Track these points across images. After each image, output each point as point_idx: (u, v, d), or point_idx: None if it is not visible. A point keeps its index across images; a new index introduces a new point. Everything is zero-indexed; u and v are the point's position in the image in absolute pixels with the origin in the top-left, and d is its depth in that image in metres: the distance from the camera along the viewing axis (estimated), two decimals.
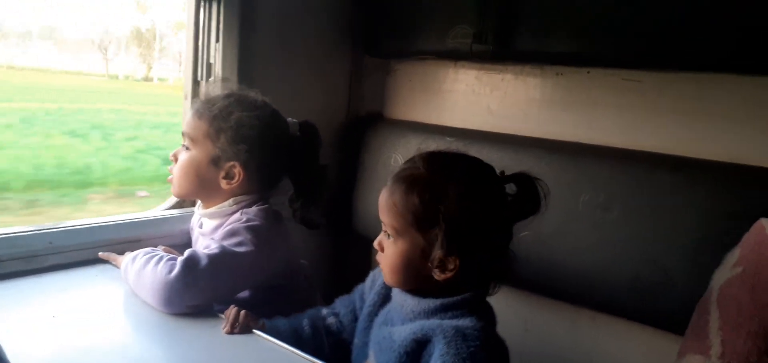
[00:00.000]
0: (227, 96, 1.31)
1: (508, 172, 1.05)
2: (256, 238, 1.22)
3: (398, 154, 1.73)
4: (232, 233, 1.22)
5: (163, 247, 1.32)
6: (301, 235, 1.41)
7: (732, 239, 1.17)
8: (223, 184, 1.29)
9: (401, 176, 1.02)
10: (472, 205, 0.98)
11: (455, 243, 0.96)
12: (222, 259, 1.17)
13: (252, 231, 1.22)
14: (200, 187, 1.31)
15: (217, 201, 1.31)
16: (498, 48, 1.51)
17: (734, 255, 1.15)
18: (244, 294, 1.27)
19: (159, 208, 1.55)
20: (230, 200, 1.30)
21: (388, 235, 1.02)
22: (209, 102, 1.30)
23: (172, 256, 1.19)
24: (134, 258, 1.21)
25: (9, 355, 0.68)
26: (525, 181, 1.03)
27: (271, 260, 1.27)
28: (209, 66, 1.55)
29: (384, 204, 1.02)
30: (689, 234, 1.26)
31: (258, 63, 1.59)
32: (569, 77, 1.54)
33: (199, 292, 1.14)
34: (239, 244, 1.20)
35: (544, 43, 1.46)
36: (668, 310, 1.28)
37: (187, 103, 1.56)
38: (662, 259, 1.28)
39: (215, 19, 1.53)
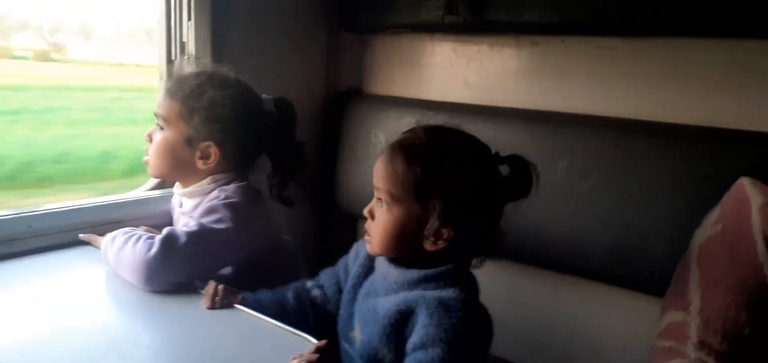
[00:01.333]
0: (198, 74, 1.29)
1: (489, 145, 1.06)
2: (234, 214, 1.22)
3: (378, 129, 1.74)
4: (210, 210, 1.22)
5: (144, 228, 1.31)
6: (284, 211, 1.41)
7: (708, 202, 1.20)
8: (200, 164, 1.29)
9: (403, 144, 1.02)
10: (470, 179, 1.00)
11: (451, 215, 0.98)
12: (200, 236, 1.17)
13: (230, 208, 1.22)
14: (176, 167, 1.31)
15: (195, 180, 1.31)
16: (471, 18, 1.51)
17: (714, 214, 1.17)
18: (228, 270, 1.28)
19: (139, 189, 1.54)
20: (208, 179, 1.30)
21: (382, 203, 1.03)
22: (181, 81, 1.29)
23: (150, 234, 1.19)
24: (114, 238, 1.21)
25: None
26: (518, 164, 1.05)
27: (251, 236, 1.26)
28: (182, 45, 1.54)
29: (382, 171, 1.02)
30: (666, 198, 1.29)
31: (232, 41, 1.58)
32: (544, 46, 1.55)
33: (179, 269, 1.15)
34: (218, 220, 1.20)
35: (518, 13, 1.47)
36: (647, 273, 1.31)
37: (162, 83, 1.55)
38: (640, 223, 1.31)
39: None
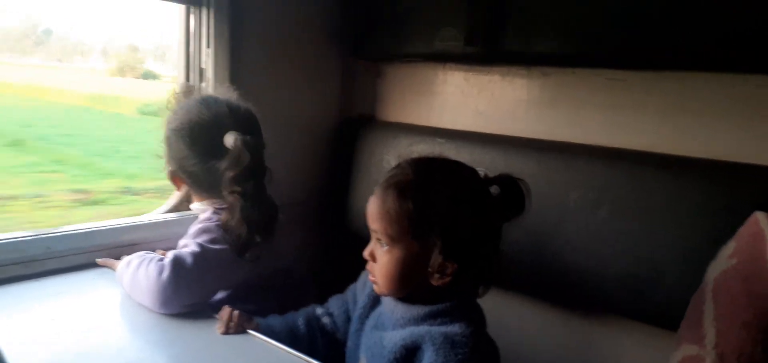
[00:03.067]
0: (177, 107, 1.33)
1: (497, 173, 1.07)
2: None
3: (390, 155, 1.75)
4: (203, 231, 1.23)
5: (160, 251, 1.33)
6: (296, 235, 1.42)
7: (721, 235, 1.19)
8: (182, 191, 1.36)
9: (391, 182, 1.02)
10: (463, 208, 0.99)
11: (453, 247, 0.98)
12: (204, 256, 1.18)
13: (219, 230, 1.23)
14: (184, 196, 1.39)
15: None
16: (484, 49, 1.53)
17: (729, 247, 1.16)
18: (232, 293, 1.29)
19: (156, 211, 1.56)
20: (197, 202, 1.34)
21: (381, 244, 1.02)
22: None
23: (159, 256, 1.21)
24: (128, 263, 1.23)
25: (9, 358, 0.69)
26: (508, 183, 1.05)
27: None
28: (201, 71, 1.57)
29: (376, 212, 1.02)
30: (678, 230, 1.28)
31: (249, 67, 1.61)
32: (555, 77, 1.56)
33: (192, 290, 1.17)
34: (213, 241, 1.21)
35: (530, 44, 1.48)
36: (660, 306, 1.30)
37: None
38: (653, 255, 1.30)
39: (205, 24, 1.55)
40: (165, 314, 1.16)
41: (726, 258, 1.16)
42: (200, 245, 1.20)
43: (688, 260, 1.26)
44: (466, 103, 1.73)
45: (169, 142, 1.30)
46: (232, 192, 1.21)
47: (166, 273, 1.14)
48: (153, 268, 1.16)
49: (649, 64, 1.41)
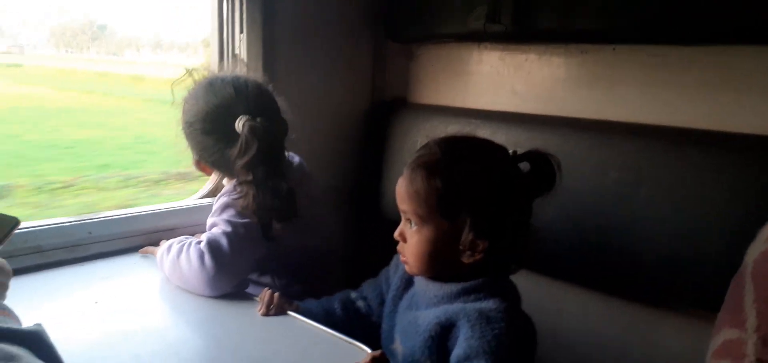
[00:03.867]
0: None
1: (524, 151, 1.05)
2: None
3: (423, 137, 1.73)
4: (224, 207, 1.24)
5: (197, 235, 1.35)
6: (330, 218, 1.43)
7: (763, 213, 1.16)
8: (206, 172, 1.35)
9: (420, 163, 1.01)
10: (493, 185, 0.98)
11: (483, 224, 0.97)
12: (235, 233, 1.19)
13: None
14: (219, 180, 1.40)
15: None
16: (520, 28, 1.50)
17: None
18: (269, 275, 1.30)
19: (193, 196, 1.59)
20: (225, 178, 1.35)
21: (411, 224, 1.02)
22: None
23: (197, 240, 1.22)
24: (168, 248, 1.25)
25: (55, 339, 0.71)
26: (537, 158, 1.04)
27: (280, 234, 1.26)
28: (235, 57, 1.58)
29: (404, 192, 1.02)
30: (721, 209, 1.24)
31: (282, 52, 1.62)
32: (594, 55, 1.52)
33: (236, 269, 1.19)
34: (238, 215, 1.21)
35: (567, 21, 1.44)
36: (701, 288, 1.26)
37: None
38: (694, 235, 1.26)
39: (238, 10, 1.55)
40: (206, 296, 1.17)
41: (765, 239, 1.12)
42: (228, 223, 1.20)
43: (730, 240, 1.21)
44: (501, 83, 1.70)
45: (186, 133, 1.29)
46: (243, 180, 1.20)
47: (207, 259, 1.16)
48: (194, 256, 1.17)
49: (689, 39, 1.36)
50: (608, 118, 1.48)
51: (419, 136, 1.74)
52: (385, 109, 1.88)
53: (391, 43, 1.89)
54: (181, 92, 1.30)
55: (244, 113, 1.21)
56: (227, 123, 1.22)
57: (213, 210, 1.27)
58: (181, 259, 1.20)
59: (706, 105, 1.36)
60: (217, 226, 1.22)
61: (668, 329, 1.38)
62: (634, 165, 1.35)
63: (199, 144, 1.27)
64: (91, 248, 1.34)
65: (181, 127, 1.29)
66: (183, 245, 1.22)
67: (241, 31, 1.57)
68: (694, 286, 1.28)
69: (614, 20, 1.39)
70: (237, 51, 1.58)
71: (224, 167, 1.28)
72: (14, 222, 0.89)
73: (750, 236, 1.16)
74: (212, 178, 1.59)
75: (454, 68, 1.81)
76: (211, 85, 1.27)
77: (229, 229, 1.19)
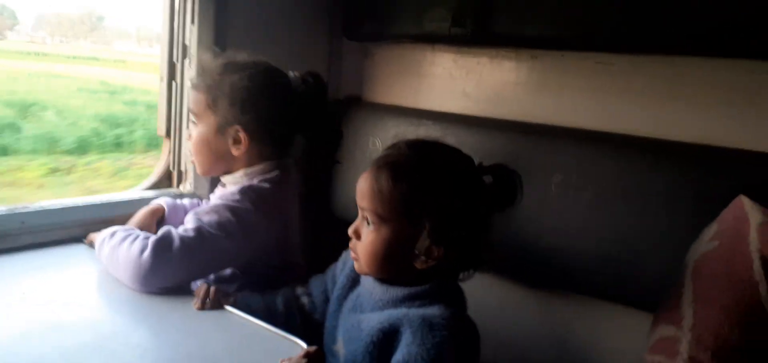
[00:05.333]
0: (219, 63, 1.29)
1: (483, 156, 1.05)
2: (238, 223, 1.19)
3: (377, 137, 1.73)
4: (213, 210, 1.20)
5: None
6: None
7: (703, 220, 1.19)
8: (234, 150, 1.27)
9: (387, 162, 1.00)
10: (458, 193, 0.98)
11: (442, 232, 0.96)
12: (195, 241, 1.15)
13: (236, 215, 1.20)
14: (216, 160, 1.31)
15: (237, 170, 1.31)
16: (473, 31, 1.51)
17: (711, 229, 1.16)
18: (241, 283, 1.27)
19: (137, 188, 1.54)
20: (241, 172, 1.29)
21: (368, 223, 1.01)
22: (203, 73, 1.30)
23: (147, 234, 1.17)
24: (112, 234, 1.20)
25: None
26: (501, 173, 1.04)
27: (250, 248, 1.24)
28: (185, 48, 1.54)
29: (367, 189, 1.00)
30: (661, 214, 1.28)
31: (234, 44, 1.57)
32: (543, 60, 1.55)
33: (171, 273, 1.14)
34: (219, 225, 1.18)
35: (519, 26, 1.47)
36: (640, 289, 1.30)
37: (163, 85, 1.56)
38: (635, 239, 1.30)
39: (190, 1, 1.52)
40: (142, 292, 1.14)
41: (707, 240, 1.16)
42: (197, 229, 1.16)
43: (669, 244, 1.26)
44: (454, 85, 1.71)
45: (234, 94, 1.26)
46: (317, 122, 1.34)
47: (146, 253, 1.11)
48: (136, 246, 1.13)
49: (638, 48, 1.40)
50: (556, 122, 1.50)
51: (373, 135, 1.74)
52: (340, 107, 1.87)
53: (346, 41, 1.89)
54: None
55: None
56: (279, 97, 1.29)
57: (210, 202, 1.25)
58: (122, 246, 1.15)
59: (650, 113, 1.40)
60: (190, 222, 1.19)
61: (610, 326, 1.42)
62: (578, 169, 1.38)
63: (250, 102, 1.25)
64: (23, 239, 1.28)
65: (223, 89, 1.26)
66: (130, 235, 1.17)
67: (193, 22, 1.53)
68: (634, 288, 1.31)
69: (565, 27, 1.43)
70: (187, 42, 1.55)
71: (265, 130, 1.28)
72: None
73: (688, 241, 1.20)
74: (157, 172, 1.55)
75: (409, 69, 1.81)
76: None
77: (191, 233, 1.15)
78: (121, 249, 1.15)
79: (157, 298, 1.12)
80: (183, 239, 1.14)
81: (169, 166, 1.57)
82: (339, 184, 1.81)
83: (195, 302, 1.09)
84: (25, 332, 0.96)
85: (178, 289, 1.15)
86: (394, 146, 1.04)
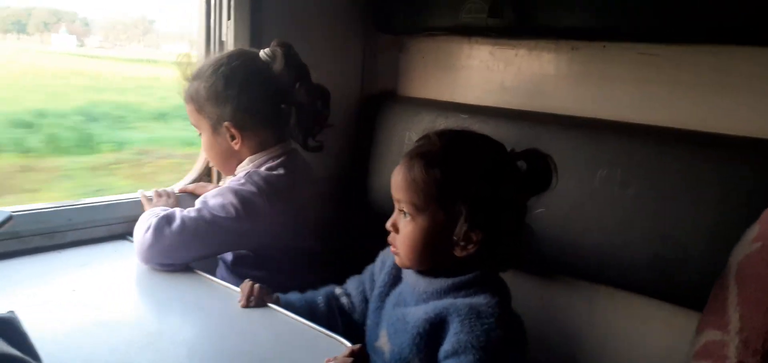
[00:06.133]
0: (197, 70, 1.34)
1: (520, 149, 1.05)
2: (240, 205, 1.23)
3: (412, 131, 1.72)
4: (219, 193, 1.25)
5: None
6: (319, 212, 1.41)
7: (751, 215, 1.15)
8: (234, 145, 1.32)
9: (419, 152, 1.01)
10: (490, 178, 0.98)
11: (478, 216, 0.97)
12: (195, 223, 1.20)
13: (238, 197, 1.23)
14: (225, 159, 1.36)
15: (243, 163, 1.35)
16: (513, 22, 1.49)
17: (753, 230, 1.13)
18: (259, 267, 1.29)
19: (178, 184, 1.56)
20: (247, 160, 1.33)
21: (405, 214, 1.02)
22: (188, 83, 1.34)
23: (169, 212, 1.23)
24: (152, 211, 1.27)
25: (30, 328, 0.69)
26: (535, 158, 1.04)
27: (253, 231, 1.27)
28: (222, 44, 1.55)
29: (401, 181, 1.01)
30: (707, 210, 1.24)
31: (270, 40, 1.58)
32: (584, 52, 1.51)
33: (169, 251, 1.20)
34: (222, 207, 1.22)
35: (558, 17, 1.44)
36: (686, 287, 1.27)
37: None
38: (680, 235, 1.27)
39: None
40: (186, 284, 1.18)
41: (750, 241, 1.12)
42: (199, 211, 1.22)
43: (717, 241, 1.22)
44: (491, 78, 1.69)
45: (213, 94, 1.30)
46: (298, 90, 1.33)
47: (149, 231, 1.18)
48: (145, 223, 1.20)
49: (681, 38, 1.36)
50: (597, 115, 1.47)
51: (409, 129, 1.73)
52: (375, 102, 1.86)
53: (381, 35, 1.87)
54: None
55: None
56: (254, 79, 1.31)
57: (213, 190, 1.29)
58: (141, 221, 1.23)
59: (696, 105, 1.36)
60: (197, 204, 1.25)
61: (654, 323, 1.39)
62: (622, 163, 1.35)
63: (229, 96, 1.29)
64: (70, 235, 1.31)
65: (205, 94, 1.30)
66: (153, 214, 1.23)
67: (229, 18, 1.54)
68: (679, 285, 1.28)
69: (606, 17, 1.39)
70: (224, 38, 1.55)
71: (251, 116, 1.30)
72: (7, 217, 0.88)
73: (735, 238, 1.16)
74: (197, 167, 1.57)
75: (444, 62, 1.79)
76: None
77: (192, 215, 1.21)
78: (140, 222, 1.23)
79: (201, 294, 1.14)
80: (184, 219, 1.20)
81: (207, 162, 1.59)
82: (377, 180, 1.81)
83: (240, 299, 1.10)
84: (77, 328, 0.98)
85: (221, 286, 1.17)
86: (424, 137, 1.05)
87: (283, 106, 1.32)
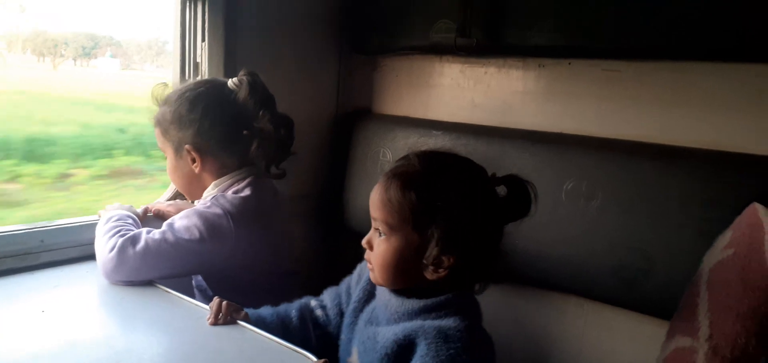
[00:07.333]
0: (166, 95, 1.37)
1: (493, 164, 1.06)
2: (204, 227, 1.24)
3: (386, 148, 1.75)
4: (185, 216, 1.27)
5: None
6: (294, 230, 1.42)
7: (714, 226, 1.19)
8: (195, 169, 1.34)
9: (397, 172, 1.01)
10: (467, 203, 0.98)
11: (451, 241, 0.97)
12: (159, 245, 1.22)
13: (203, 219, 1.25)
14: (188, 183, 1.38)
15: (208, 187, 1.36)
16: (480, 41, 1.52)
17: (725, 237, 1.15)
18: (236, 292, 1.28)
19: (155, 202, 1.56)
20: (212, 185, 1.35)
21: (380, 233, 1.02)
22: (158, 108, 1.37)
23: (127, 231, 1.24)
24: (107, 220, 1.29)
25: (0, 349, 0.70)
26: (515, 184, 1.04)
27: (223, 251, 1.27)
28: (196, 66, 1.57)
29: (378, 200, 1.01)
30: (671, 220, 1.28)
31: (244, 61, 1.61)
32: (551, 69, 1.55)
33: (133, 272, 1.22)
34: (186, 229, 1.24)
35: (526, 36, 1.47)
36: (653, 296, 1.30)
37: None
38: (646, 245, 1.30)
39: (200, 18, 1.55)
40: (156, 303, 1.17)
41: (722, 248, 1.14)
42: (163, 233, 1.24)
43: (681, 250, 1.25)
44: (462, 95, 1.72)
45: (176, 118, 1.32)
46: (261, 118, 1.34)
47: (113, 252, 1.20)
48: (110, 242, 1.21)
49: (643, 55, 1.40)
50: (563, 130, 1.51)
51: (383, 146, 1.75)
52: (349, 120, 1.89)
53: (355, 55, 1.91)
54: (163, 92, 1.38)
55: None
56: (217, 106, 1.33)
57: (181, 212, 1.30)
58: (103, 238, 1.24)
59: (657, 119, 1.40)
60: (163, 226, 1.26)
61: (622, 333, 1.41)
62: (588, 175, 1.38)
63: (191, 120, 1.31)
64: (42, 257, 1.31)
65: (169, 118, 1.33)
66: (115, 228, 1.25)
67: (203, 40, 1.56)
68: (646, 295, 1.31)
69: (571, 35, 1.43)
70: (198, 60, 1.57)
71: (212, 141, 1.33)
72: None
73: (699, 247, 1.19)
74: (171, 188, 1.58)
75: (417, 80, 1.82)
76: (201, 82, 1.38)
77: (156, 236, 1.23)
78: (102, 240, 1.24)
79: (170, 312, 1.14)
80: (148, 241, 1.22)
81: None
82: (351, 197, 1.83)
83: (208, 317, 1.11)
84: (46, 349, 0.98)
85: (191, 305, 1.18)
86: (405, 157, 1.05)
87: (245, 132, 1.33)
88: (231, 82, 1.36)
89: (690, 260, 1.20)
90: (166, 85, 1.41)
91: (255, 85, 1.35)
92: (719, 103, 1.32)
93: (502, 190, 1.04)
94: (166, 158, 1.39)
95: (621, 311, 1.38)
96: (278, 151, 1.37)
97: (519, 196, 1.04)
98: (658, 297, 1.29)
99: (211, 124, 1.32)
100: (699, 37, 1.27)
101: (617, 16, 1.35)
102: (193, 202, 1.45)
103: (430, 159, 1.03)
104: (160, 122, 1.35)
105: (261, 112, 1.33)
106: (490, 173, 1.05)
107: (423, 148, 1.08)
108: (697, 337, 1.09)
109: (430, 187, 0.98)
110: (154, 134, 1.39)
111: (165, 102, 1.35)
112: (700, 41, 1.27)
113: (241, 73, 1.36)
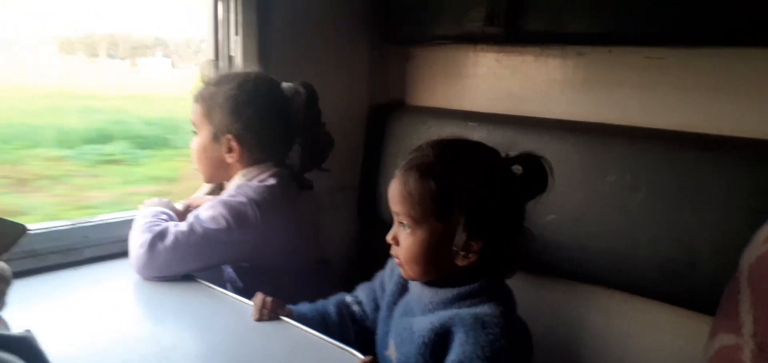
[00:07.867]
0: (219, 76, 1.37)
1: (517, 153, 1.05)
2: (230, 216, 1.25)
3: (421, 140, 1.69)
4: (210, 206, 1.27)
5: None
6: (330, 223, 1.43)
7: (759, 217, 1.15)
8: (228, 158, 1.34)
9: (413, 164, 1.01)
10: (487, 185, 0.98)
11: (477, 224, 0.96)
12: (187, 237, 1.23)
13: (229, 208, 1.26)
14: (214, 167, 1.38)
15: (233, 175, 1.37)
16: (516, 29, 1.50)
17: (764, 231, 1.11)
18: (271, 281, 1.29)
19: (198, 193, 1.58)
20: (239, 174, 1.35)
21: (404, 226, 1.02)
22: (205, 86, 1.37)
23: (162, 228, 1.25)
24: (144, 215, 1.30)
25: (46, 345, 0.71)
26: (529, 161, 1.03)
27: (251, 239, 1.28)
28: (230, 59, 1.57)
29: (398, 194, 1.01)
30: (717, 212, 1.24)
31: (278, 54, 1.61)
32: (591, 57, 1.51)
33: (164, 266, 1.23)
34: (212, 219, 1.25)
35: (563, 22, 1.44)
36: (697, 291, 1.26)
37: None
38: (690, 238, 1.26)
39: (233, 11, 1.55)
40: (198, 298, 1.19)
41: (761, 242, 1.11)
42: (191, 225, 1.24)
43: (727, 243, 1.22)
44: (498, 86, 1.69)
45: (227, 104, 1.32)
46: (309, 130, 1.39)
47: (143, 248, 1.21)
48: (141, 238, 1.23)
49: (687, 41, 1.36)
50: (605, 120, 1.47)
51: (417, 138, 1.73)
52: (383, 113, 1.88)
53: (387, 46, 1.89)
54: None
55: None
56: (272, 107, 1.35)
57: (205, 204, 1.31)
58: (135, 232, 1.26)
59: (702, 107, 1.35)
60: (189, 218, 1.27)
61: (666, 326, 1.38)
62: (630, 167, 1.35)
63: (242, 112, 1.32)
64: (86, 252, 1.34)
65: (218, 101, 1.33)
66: (147, 225, 1.26)
67: (237, 34, 1.56)
68: (689, 289, 1.28)
69: (611, 22, 1.39)
70: (232, 53, 1.58)
71: (256, 137, 1.34)
72: (21, 230, 0.89)
73: (743, 240, 1.15)
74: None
75: (451, 70, 1.80)
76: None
77: (184, 229, 1.24)
78: (133, 237, 1.25)
79: (215, 309, 1.16)
80: (176, 235, 1.23)
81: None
82: (385, 189, 1.80)
83: (253, 313, 1.11)
84: (92, 344, 1.00)
85: (234, 300, 1.19)
86: (417, 149, 1.04)
87: (297, 140, 1.38)
88: (286, 87, 1.37)
89: (736, 253, 1.16)
90: (216, 64, 1.42)
91: (310, 100, 1.37)
92: (764, 90, 1.27)
93: (517, 168, 1.03)
94: (194, 133, 1.39)
95: (665, 306, 1.35)
96: (312, 164, 1.41)
97: (535, 173, 1.03)
98: (703, 292, 1.25)
99: (261, 122, 1.32)
100: (745, 21, 1.23)
101: (659, 1, 1.31)
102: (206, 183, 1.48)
103: (443, 146, 1.03)
104: (205, 100, 1.35)
105: (309, 127, 1.36)
106: (504, 154, 1.05)
107: (434, 138, 1.06)
108: (741, 333, 1.07)
109: (448, 174, 0.98)
110: (192, 108, 1.38)
111: (218, 83, 1.35)
112: (746, 26, 1.23)
113: (299, 82, 1.38)
